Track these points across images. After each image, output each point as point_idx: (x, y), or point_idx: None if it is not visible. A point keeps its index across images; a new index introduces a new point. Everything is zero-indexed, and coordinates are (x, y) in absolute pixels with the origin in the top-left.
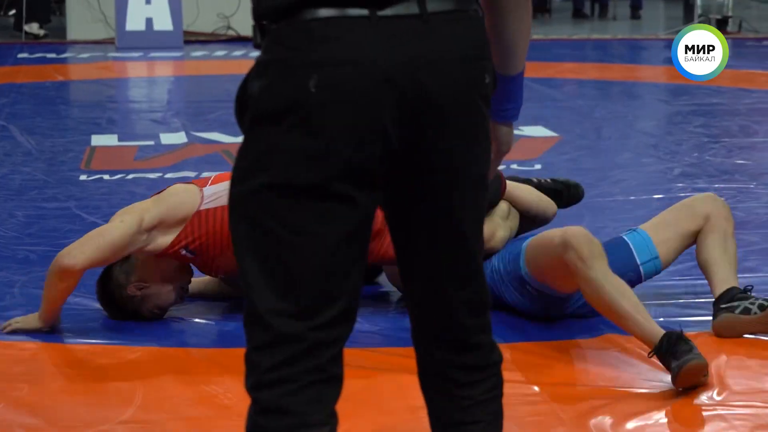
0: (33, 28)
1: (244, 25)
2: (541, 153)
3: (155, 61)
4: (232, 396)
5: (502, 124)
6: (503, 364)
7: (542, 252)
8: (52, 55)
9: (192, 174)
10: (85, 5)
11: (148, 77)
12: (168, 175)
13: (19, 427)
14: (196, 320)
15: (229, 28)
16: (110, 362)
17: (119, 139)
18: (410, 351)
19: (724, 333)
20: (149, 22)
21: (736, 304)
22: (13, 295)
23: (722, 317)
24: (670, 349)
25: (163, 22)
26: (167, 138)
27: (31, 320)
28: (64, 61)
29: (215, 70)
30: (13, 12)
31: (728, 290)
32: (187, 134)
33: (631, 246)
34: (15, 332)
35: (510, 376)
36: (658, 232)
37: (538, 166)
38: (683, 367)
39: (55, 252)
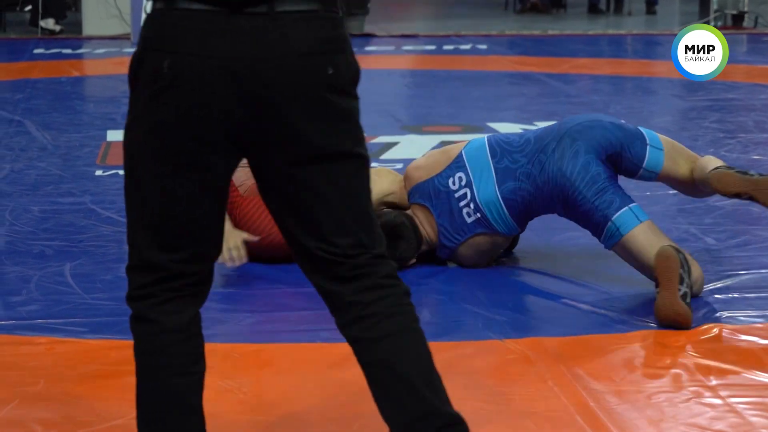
0: (49, 23)
1: None
2: None
3: None
4: (247, 391)
5: None
6: None
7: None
8: (68, 51)
9: None
10: (100, 1)
11: None
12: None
13: (34, 422)
14: (212, 315)
15: None
16: (125, 356)
17: None
18: None
19: (718, 185)
20: None
21: (734, 167)
22: (29, 290)
23: (721, 171)
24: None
25: None
26: None
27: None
28: (79, 56)
29: None
30: (29, 8)
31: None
32: None
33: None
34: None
35: None
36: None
37: None
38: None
39: (71, 247)
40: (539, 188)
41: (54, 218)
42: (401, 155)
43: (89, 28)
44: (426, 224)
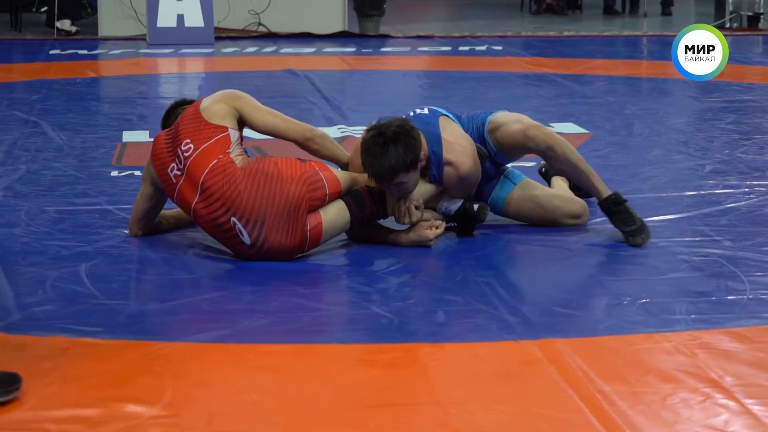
0: (65, 24)
1: (275, 22)
2: None
3: (186, 57)
4: (262, 392)
5: None
6: None
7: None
8: (84, 52)
9: None
10: (117, 2)
11: (179, 73)
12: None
13: (48, 422)
14: (226, 317)
15: (259, 24)
16: (140, 357)
17: (150, 135)
18: None
19: None
20: (180, 18)
21: None
22: (45, 291)
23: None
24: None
25: (194, 19)
26: None
27: None
28: (95, 57)
29: (245, 66)
30: (44, 9)
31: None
32: None
33: None
34: None
35: None
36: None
37: None
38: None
39: (87, 248)
40: None
41: (69, 219)
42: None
43: (105, 29)
44: None
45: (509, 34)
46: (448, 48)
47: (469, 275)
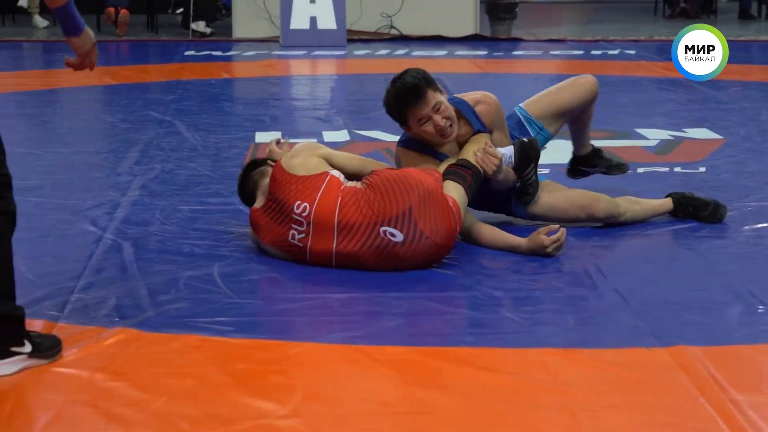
0: (200, 26)
1: (407, 24)
2: (706, 155)
3: (318, 59)
4: (381, 394)
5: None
6: None
7: None
8: (218, 53)
9: None
10: (251, 4)
11: (312, 75)
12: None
13: (180, 418)
14: (354, 317)
15: (391, 27)
16: (271, 357)
17: (282, 136)
18: None
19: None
20: (313, 20)
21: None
22: (178, 289)
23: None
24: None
25: (327, 21)
26: (330, 135)
27: None
28: (229, 58)
29: (377, 68)
30: (180, 10)
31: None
32: (349, 132)
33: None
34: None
35: None
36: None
37: (702, 169)
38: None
39: (220, 247)
40: None
41: (203, 218)
42: (547, 160)
43: (239, 30)
44: None
45: (642, 38)
46: (581, 52)
47: (600, 281)
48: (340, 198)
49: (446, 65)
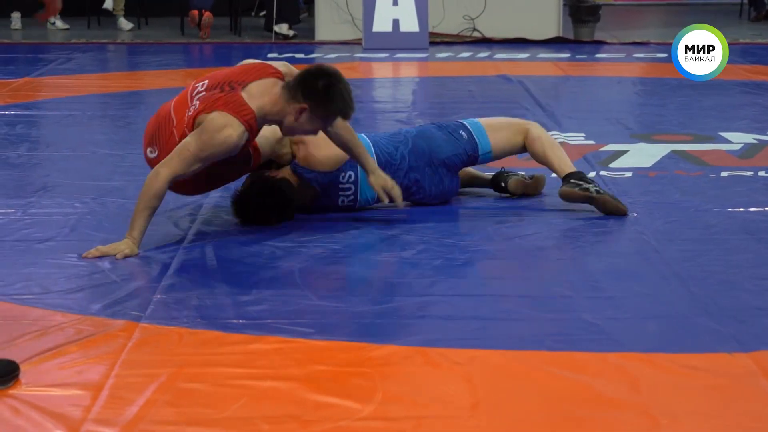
0: (282, 28)
1: (490, 27)
2: None
3: (401, 61)
4: (477, 398)
5: None
6: None
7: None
8: (301, 56)
9: None
10: (333, 6)
11: (394, 78)
12: None
13: (260, 420)
14: (434, 320)
15: (474, 29)
16: (351, 358)
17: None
18: None
19: (565, 198)
20: (396, 23)
21: (580, 183)
22: (260, 290)
23: (565, 189)
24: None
25: (410, 24)
26: None
27: (121, 246)
28: (311, 61)
29: (459, 71)
30: (263, 13)
31: (575, 172)
32: None
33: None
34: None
35: None
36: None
37: None
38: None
39: (301, 249)
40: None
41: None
42: (630, 164)
43: (322, 33)
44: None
45: (727, 41)
46: (664, 55)
47: (679, 285)
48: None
49: (529, 68)
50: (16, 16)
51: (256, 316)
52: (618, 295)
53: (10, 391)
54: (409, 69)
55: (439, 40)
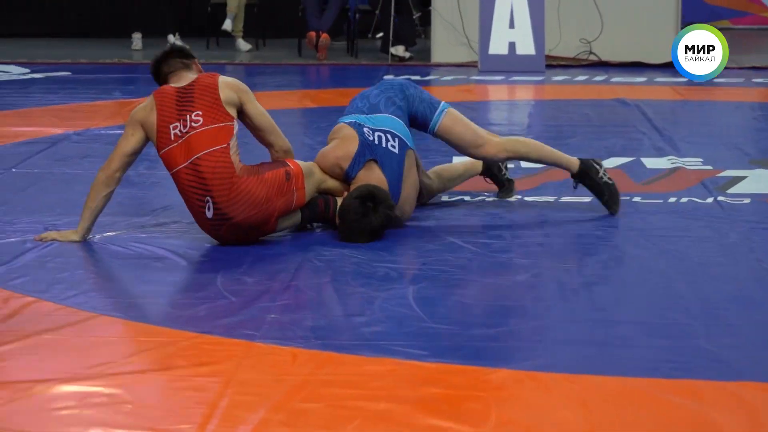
0: (399, 50)
1: (606, 50)
2: None
3: (516, 84)
4: (574, 424)
5: None
6: None
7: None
8: (416, 78)
9: (551, 198)
10: (449, 29)
11: (509, 100)
12: (527, 198)
13: None
14: (550, 344)
15: (590, 53)
16: (466, 382)
17: None
18: None
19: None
20: (512, 46)
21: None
22: (373, 312)
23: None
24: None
25: (526, 47)
26: (527, 162)
27: (68, 234)
28: (427, 83)
29: (575, 94)
30: (380, 35)
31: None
32: None
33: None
34: (50, 242)
35: None
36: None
37: None
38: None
39: (415, 271)
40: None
41: (400, 241)
42: (749, 189)
43: (438, 55)
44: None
45: None
46: None
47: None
48: (217, 147)
49: (646, 92)
50: (137, 36)
51: (370, 337)
52: (736, 323)
53: (124, 405)
54: (525, 92)
55: (555, 63)
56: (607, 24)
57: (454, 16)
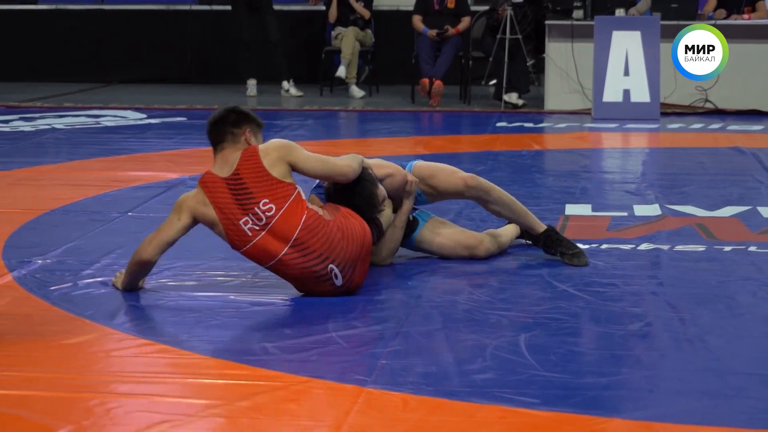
0: (512, 97)
1: (722, 98)
2: None
3: (630, 132)
4: None
5: None
6: None
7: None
8: (530, 125)
9: (665, 247)
10: (563, 76)
11: (623, 148)
12: (641, 247)
13: None
14: (656, 394)
15: (706, 101)
16: (577, 431)
17: (593, 209)
18: None
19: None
20: (626, 93)
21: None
22: (485, 359)
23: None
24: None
25: (641, 94)
26: (641, 209)
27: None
28: (540, 130)
29: (691, 142)
30: (493, 82)
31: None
32: (661, 206)
33: None
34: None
35: None
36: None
37: None
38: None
39: (527, 318)
40: None
41: (510, 289)
42: None
43: (551, 102)
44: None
45: None
46: None
47: None
48: (304, 217)
49: (763, 140)
50: (251, 83)
51: (481, 384)
52: None
53: None
54: (639, 139)
55: (670, 111)
56: (723, 71)
57: (568, 63)
